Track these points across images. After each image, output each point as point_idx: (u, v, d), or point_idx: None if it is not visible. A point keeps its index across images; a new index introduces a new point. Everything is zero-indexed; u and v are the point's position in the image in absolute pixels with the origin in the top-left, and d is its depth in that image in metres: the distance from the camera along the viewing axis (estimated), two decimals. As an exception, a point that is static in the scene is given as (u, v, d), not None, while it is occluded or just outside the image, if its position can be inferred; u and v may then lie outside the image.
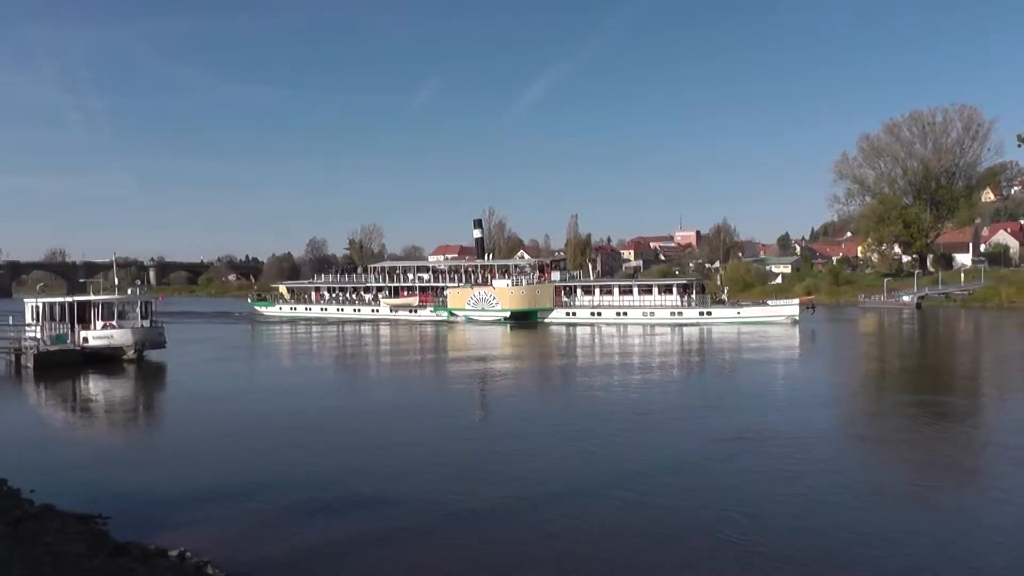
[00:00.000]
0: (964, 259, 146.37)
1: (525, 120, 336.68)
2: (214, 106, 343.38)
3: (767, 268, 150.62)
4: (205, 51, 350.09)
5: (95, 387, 39.34)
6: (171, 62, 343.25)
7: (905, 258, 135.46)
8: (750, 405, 30.42)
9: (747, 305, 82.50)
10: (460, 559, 14.34)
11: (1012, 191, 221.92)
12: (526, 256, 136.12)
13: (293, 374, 46.12)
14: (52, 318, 49.01)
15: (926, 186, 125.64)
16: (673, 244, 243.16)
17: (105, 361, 45.61)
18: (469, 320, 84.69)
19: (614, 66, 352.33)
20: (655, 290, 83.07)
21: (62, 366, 43.45)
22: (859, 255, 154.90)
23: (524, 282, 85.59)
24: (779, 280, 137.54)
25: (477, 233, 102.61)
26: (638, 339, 65.09)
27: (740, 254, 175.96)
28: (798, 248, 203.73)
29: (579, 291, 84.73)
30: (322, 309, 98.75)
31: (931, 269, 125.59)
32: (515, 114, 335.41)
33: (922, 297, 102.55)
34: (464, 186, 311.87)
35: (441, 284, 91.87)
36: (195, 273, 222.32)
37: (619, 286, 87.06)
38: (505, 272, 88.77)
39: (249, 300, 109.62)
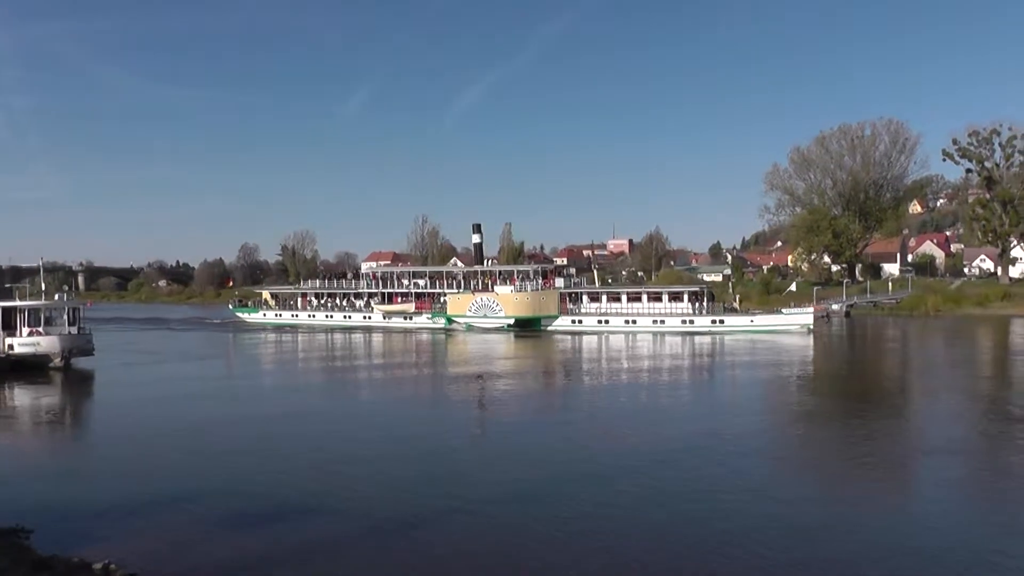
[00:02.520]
0: (892, 269, 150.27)
1: (458, 128, 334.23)
2: (143, 108, 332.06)
3: (699, 276, 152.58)
4: (134, 51, 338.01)
5: (20, 396, 38.35)
6: (100, 62, 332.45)
7: (834, 267, 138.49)
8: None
9: (760, 313, 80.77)
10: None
11: (938, 203, 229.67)
12: (459, 264, 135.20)
13: (246, 386, 42.71)
14: (-25, 325, 47.64)
15: (855, 197, 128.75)
16: (606, 252, 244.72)
17: (31, 369, 44.54)
18: (470, 328, 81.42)
19: (547, 76, 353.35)
20: (665, 297, 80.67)
21: (-15, 374, 42.17)
22: (789, 264, 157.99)
23: (528, 288, 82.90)
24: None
25: (476, 238, 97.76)
26: (649, 350, 60.92)
27: (672, 262, 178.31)
28: (729, 257, 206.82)
29: (585, 298, 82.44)
30: (310, 316, 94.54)
31: (860, 278, 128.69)
32: (448, 122, 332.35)
33: (851, 306, 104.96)
34: (396, 193, 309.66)
35: (439, 290, 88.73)
36: (125, 279, 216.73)
37: (627, 293, 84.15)
38: (507, 278, 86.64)
39: (230, 306, 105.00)
